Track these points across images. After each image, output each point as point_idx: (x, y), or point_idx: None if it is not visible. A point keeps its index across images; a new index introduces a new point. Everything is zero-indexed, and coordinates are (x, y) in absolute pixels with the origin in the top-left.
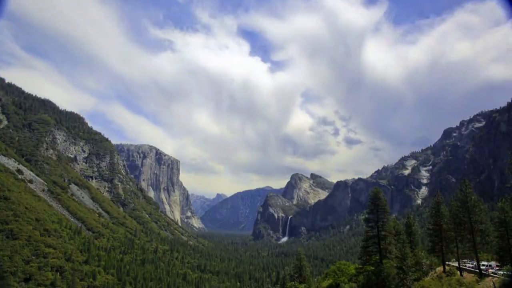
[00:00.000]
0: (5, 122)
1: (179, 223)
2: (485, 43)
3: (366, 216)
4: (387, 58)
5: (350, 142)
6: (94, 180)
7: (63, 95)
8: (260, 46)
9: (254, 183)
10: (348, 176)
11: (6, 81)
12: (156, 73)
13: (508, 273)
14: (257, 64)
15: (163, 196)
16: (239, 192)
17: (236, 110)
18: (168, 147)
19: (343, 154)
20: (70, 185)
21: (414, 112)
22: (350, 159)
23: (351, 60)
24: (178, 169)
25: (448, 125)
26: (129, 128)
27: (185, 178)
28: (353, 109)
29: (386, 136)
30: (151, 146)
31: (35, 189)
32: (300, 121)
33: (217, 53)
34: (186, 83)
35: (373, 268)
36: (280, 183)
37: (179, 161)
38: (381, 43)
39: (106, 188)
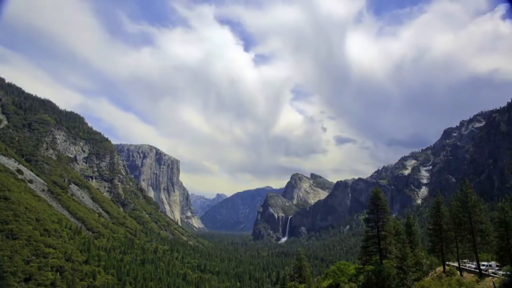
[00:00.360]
0: (5, 122)
1: (179, 223)
2: (469, 34)
3: (366, 216)
4: (371, 52)
5: (339, 141)
6: (94, 180)
7: (44, 90)
8: (242, 38)
9: (249, 183)
10: (344, 176)
11: (6, 81)
12: (139, 69)
13: (508, 273)
14: (241, 57)
15: (163, 196)
16: (239, 192)
17: (224, 107)
18: (161, 146)
19: (334, 153)
20: (70, 185)
21: (402, 109)
22: (341, 158)
23: (335, 55)
24: (178, 169)
25: (436, 121)
26: (119, 125)
27: (183, 178)
28: (340, 107)
29: (376, 135)
30: (151, 146)
31: (35, 189)
32: (290, 119)
33: (198, 46)
34: (171, 79)
35: (373, 268)
36: (277, 183)
37: (179, 161)
38: (364, 35)
39: (106, 188)
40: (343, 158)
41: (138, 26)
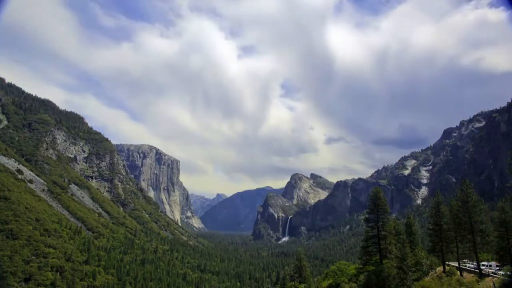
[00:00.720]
0: (5, 122)
1: (179, 223)
2: (453, 24)
3: (366, 216)
4: (354, 45)
5: (329, 140)
6: (94, 180)
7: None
8: (223, 28)
9: (244, 182)
10: (339, 175)
11: (6, 81)
12: (121, 64)
13: (508, 273)
14: (224, 49)
15: (163, 196)
16: (239, 192)
17: (211, 103)
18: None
19: (325, 152)
20: (70, 185)
21: (388, 106)
22: (332, 157)
23: (316, 48)
24: (178, 169)
25: (417, 116)
26: (108, 123)
27: (182, 178)
28: (326, 104)
29: (364, 132)
30: (151, 146)
31: (35, 189)
32: (279, 116)
33: (179, 39)
34: (154, 75)
35: (373, 268)
36: (275, 184)
37: (179, 161)
38: (345, 27)
39: (106, 188)
40: (334, 157)
41: (113, 20)
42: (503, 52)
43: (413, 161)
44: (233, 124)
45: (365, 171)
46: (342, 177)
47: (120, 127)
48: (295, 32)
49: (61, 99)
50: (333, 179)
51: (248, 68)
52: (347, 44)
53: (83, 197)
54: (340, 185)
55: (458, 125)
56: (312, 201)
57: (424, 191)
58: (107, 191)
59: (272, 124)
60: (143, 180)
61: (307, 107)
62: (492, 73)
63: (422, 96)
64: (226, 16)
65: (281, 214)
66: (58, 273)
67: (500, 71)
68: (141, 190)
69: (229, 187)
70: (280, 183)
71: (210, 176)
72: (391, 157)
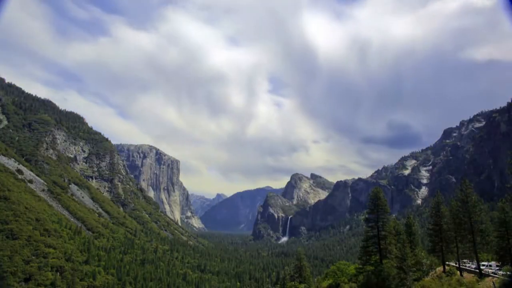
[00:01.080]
0: (5, 122)
1: (179, 223)
2: (433, 12)
3: (366, 216)
4: (334, 37)
5: (319, 138)
6: (94, 180)
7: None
8: (200, 18)
9: (240, 182)
10: (337, 175)
11: (6, 81)
12: (102, 59)
13: (508, 273)
14: (206, 44)
15: (163, 196)
16: (239, 192)
17: (198, 100)
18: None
19: (317, 151)
20: (70, 185)
21: (373, 104)
22: (325, 156)
23: (296, 40)
24: (178, 169)
25: (403, 113)
26: (96, 120)
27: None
28: (314, 102)
29: (351, 130)
30: (151, 146)
31: (35, 189)
32: (267, 114)
33: (150, 31)
34: (136, 70)
35: (373, 268)
36: (273, 183)
37: (179, 161)
38: (323, 16)
39: (106, 188)
40: (327, 156)
41: (87, 13)
42: (489, 40)
43: (413, 161)
44: (221, 122)
45: (362, 170)
46: (339, 177)
47: (110, 125)
48: (272, 21)
49: (43, 95)
50: (331, 178)
51: (231, 61)
52: (328, 35)
53: (83, 197)
54: (340, 185)
55: (458, 125)
56: (312, 201)
57: (424, 191)
58: (107, 191)
59: (261, 122)
60: (143, 180)
61: (295, 104)
62: (476, 61)
63: (406, 91)
64: (201, 5)
65: (281, 214)
66: (58, 273)
67: (486, 60)
68: (141, 190)
69: (229, 187)
70: (278, 183)
71: (205, 176)
72: (381, 155)
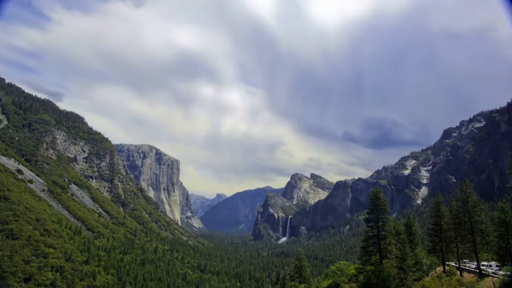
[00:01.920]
0: (5, 122)
1: (179, 223)
2: None
3: (366, 216)
4: (293, 20)
5: (300, 136)
6: (94, 180)
7: None
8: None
9: (231, 182)
10: (336, 176)
11: (6, 81)
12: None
13: (508, 273)
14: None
15: (163, 196)
16: (239, 192)
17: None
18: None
19: (297, 149)
20: (70, 185)
21: (339, 100)
22: (304, 153)
23: (241, 18)
24: (178, 169)
25: (383, 109)
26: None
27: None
28: (280, 94)
29: (324, 126)
30: (151, 146)
31: (35, 189)
32: (243, 108)
33: (93, 15)
34: (84, 55)
35: (373, 268)
36: (271, 183)
37: (179, 161)
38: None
39: (106, 188)
40: (306, 153)
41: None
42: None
43: (413, 161)
44: (192, 113)
45: (360, 171)
46: (338, 177)
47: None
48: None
49: None
50: (330, 178)
51: (180, 45)
52: (284, 17)
53: (83, 197)
54: (340, 185)
55: (458, 125)
56: (312, 201)
57: (424, 191)
58: (107, 191)
59: (236, 118)
60: (143, 180)
61: (263, 94)
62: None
63: (366, 81)
64: None
65: (281, 214)
66: (58, 273)
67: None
68: (141, 190)
69: (229, 187)
70: (278, 183)
71: (194, 175)
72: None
